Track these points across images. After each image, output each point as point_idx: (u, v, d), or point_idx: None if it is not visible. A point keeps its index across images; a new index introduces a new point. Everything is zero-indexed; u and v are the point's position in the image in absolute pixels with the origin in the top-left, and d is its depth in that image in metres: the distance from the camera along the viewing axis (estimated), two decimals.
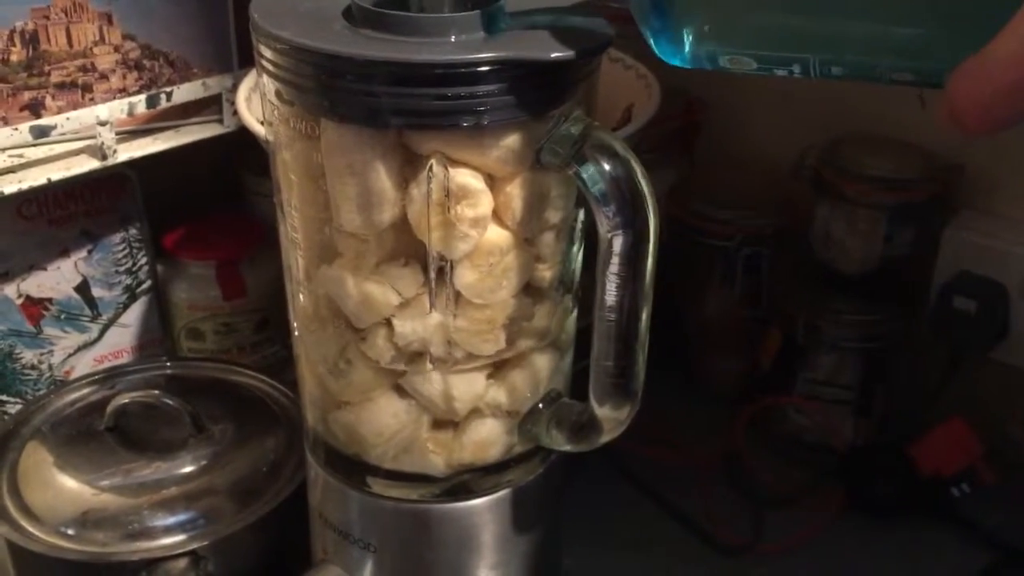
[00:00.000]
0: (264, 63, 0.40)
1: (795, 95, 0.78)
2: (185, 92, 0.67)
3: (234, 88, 0.67)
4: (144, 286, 0.76)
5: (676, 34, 0.36)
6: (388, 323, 0.42)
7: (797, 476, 0.73)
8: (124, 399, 0.62)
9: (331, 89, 0.38)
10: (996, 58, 0.28)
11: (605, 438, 0.44)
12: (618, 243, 0.39)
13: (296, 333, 0.47)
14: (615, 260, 0.39)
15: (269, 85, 0.40)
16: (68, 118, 0.63)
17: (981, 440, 0.69)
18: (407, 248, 0.41)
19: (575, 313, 0.47)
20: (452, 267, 0.41)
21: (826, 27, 0.34)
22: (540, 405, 0.46)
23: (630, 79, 0.66)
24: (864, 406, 0.74)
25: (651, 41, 0.37)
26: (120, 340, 0.76)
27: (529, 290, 0.44)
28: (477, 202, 0.40)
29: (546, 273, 0.44)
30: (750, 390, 0.77)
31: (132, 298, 0.76)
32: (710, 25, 0.36)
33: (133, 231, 0.74)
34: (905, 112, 0.72)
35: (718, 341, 0.79)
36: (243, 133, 0.62)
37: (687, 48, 0.37)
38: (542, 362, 0.46)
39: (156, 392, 0.62)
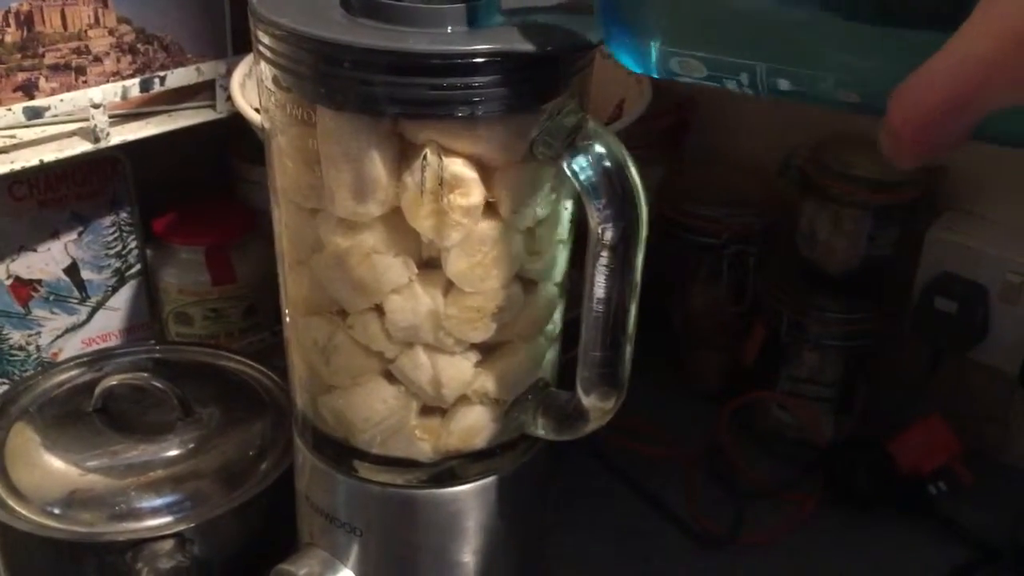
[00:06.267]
0: (262, 49, 0.40)
1: None
2: (179, 77, 0.68)
3: (228, 74, 0.67)
4: (133, 270, 0.76)
5: (636, 39, 0.36)
6: (379, 309, 0.43)
7: (778, 470, 0.74)
8: (112, 381, 0.62)
9: (328, 76, 0.38)
10: (933, 73, 0.28)
11: (591, 427, 0.44)
12: (608, 235, 0.40)
13: (287, 318, 0.48)
14: (605, 252, 0.40)
15: (266, 71, 0.41)
16: (61, 100, 0.63)
17: (959, 439, 0.70)
18: (400, 235, 0.42)
19: (564, 304, 0.48)
20: (444, 255, 0.42)
21: (778, 34, 0.34)
22: (528, 394, 0.47)
23: (622, 75, 0.66)
24: (845, 403, 0.75)
25: (609, 44, 0.37)
26: (108, 323, 0.76)
27: (519, 280, 0.44)
28: (469, 192, 0.40)
29: (536, 264, 0.44)
30: (734, 385, 0.78)
31: (121, 281, 0.76)
32: (663, 25, 0.35)
33: (123, 215, 0.75)
34: None
35: (703, 337, 0.80)
36: (235, 119, 0.62)
37: (642, 52, 0.36)
38: (530, 351, 0.46)
39: (145, 375, 0.63)
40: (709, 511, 0.71)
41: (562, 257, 0.46)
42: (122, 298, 0.76)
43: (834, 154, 0.71)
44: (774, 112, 0.79)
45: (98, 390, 0.62)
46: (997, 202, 0.71)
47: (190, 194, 0.79)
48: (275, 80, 0.41)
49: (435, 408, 0.46)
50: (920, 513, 0.70)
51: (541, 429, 0.47)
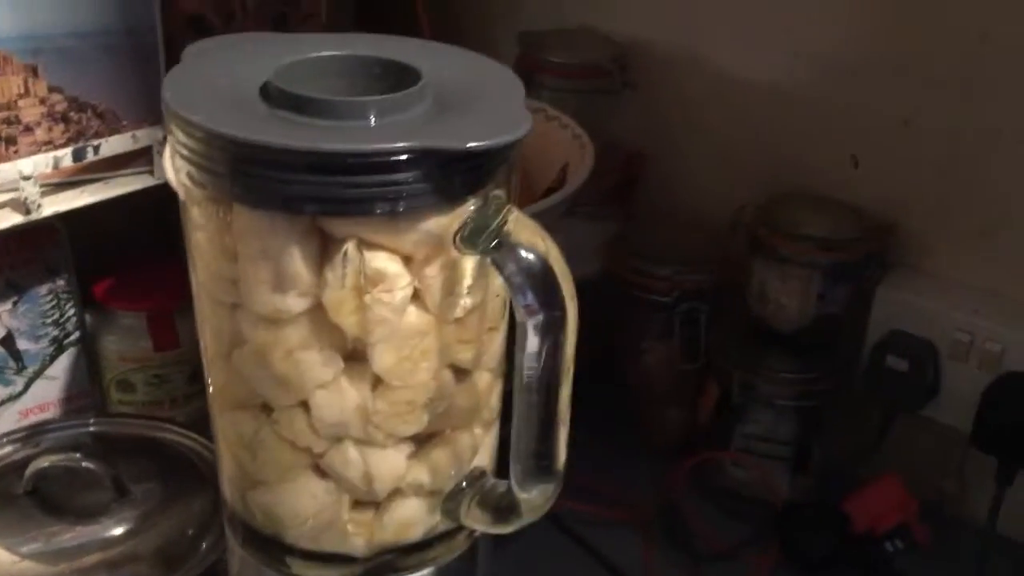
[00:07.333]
0: (176, 146, 0.39)
1: (733, 152, 0.78)
2: (114, 145, 0.66)
3: (165, 140, 0.66)
4: (72, 337, 0.74)
5: None
6: (305, 404, 0.42)
7: (735, 530, 0.73)
8: (43, 462, 0.60)
9: (243, 175, 0.37)
10: None
11: (525, 520, 0.43)
12: (535, 328, 0.39)
13: (212, 410, 0.46)
14: (532, 344, 0.39)
15: (181, 167, 0.40)
16: None
17: (915, 496, 0.69)
18: (324, 331, 0.40)
19: (499, 389, 0.47)
20: (370, 350, 0.40)
21: None
22: (463, 484, 0.45)
23: (566, 139, 0.66)
24: (801, 462, 0.74)
25: None
26: (46, 393, 0.74)
27: (451, 369, 0.43)
28: (393, 286, 0.39)
29: (468, 352, 0.43)
30: (691, 443, 0.77)
31: (59, 350, 0.74)
32: None
33: (60, 282, 0.73)
34: (839, 172, 0.73)
35: (657, 395, 0.79)
36: None
37: None
38: (465, 440, 0.45)
39: (76, 455, 0.61)
40: (666, 573, 0.70)
41: (495, 343, 0.45)
42: (60, 367, 0.74)
43: (782, 213, 0.70)
44: (723, 168, 0.79)
45: (28, 472, 0.60)
46: (946, 259, 0.71)
47: (131, 257, 0.77)
48: (190, 176, 0.39)
49: (368, 501, 0.44)
50: (877, 572, 0.70)
51: (475, 520, 0.45)
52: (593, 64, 0.77)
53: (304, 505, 0.44)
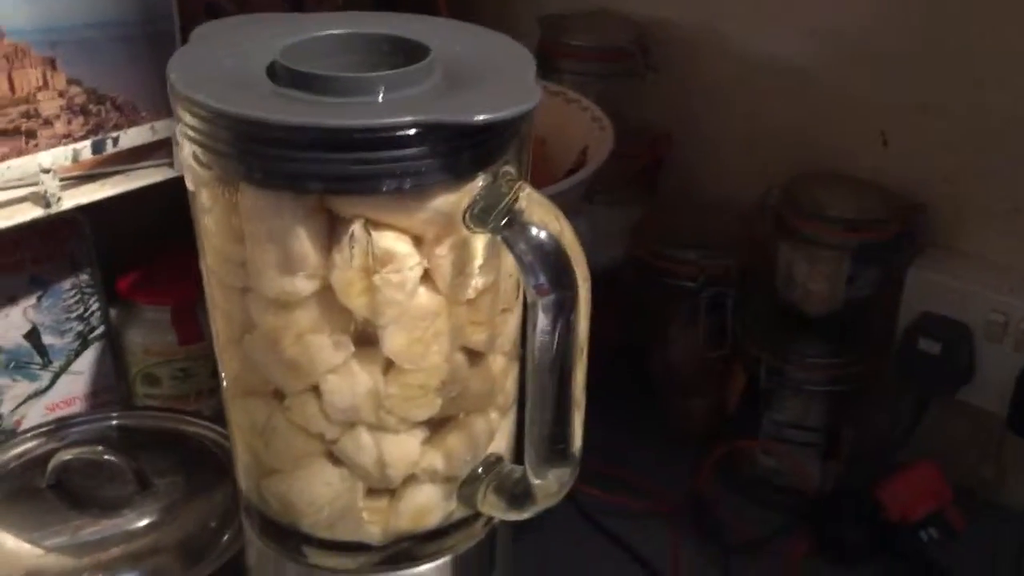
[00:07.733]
0: (183, 127, 0.38)
1: (758, 133, 0.77)
2: (132, 137, 0.66)
3: None
4: (96, 332, 0.74)
5: None
6: (316, 389, 0.41)
7: (766, 520, 0.72)
8: (66, 455, 0.60)
9: (247, 153, 0.37)
10: None
11: (541, 507, 0.42)
12: (546, 308, 0.38)
13: (225, 398, 0.46)
14: (544, 325, 0.38)
15: (187, 148, 0.39)
16: (9, 167, 0.62)
17: (950, 482, 0.68)
18: (334, 314, 0.40)
19: (515, 373, 0.46)
20: (380, 332, 0.40)
21: None
22: (479, 469, 0.45)
23: (585, 121, 0.65)
24: (832, 448, 0.73)
25: None
26: (72, 388, 0.74)
27: (464, 352, 0.42)
28: (403, 266, 0.38)
29: (481, 334, 0.42)
30: (719, 430, 0.76)
31: (84, 344, 0.74)
32: None
33: (84, 276, 0.73)
34: (867, 151, 0.71)
35: (684, 381, 0.77)
36: None
37: None
38: (480, 425, 0.44)
39: (99, 448, 0.61)
40: (695, 564, 0.69)
41: (510, 324, 0.44)
42: (86, 361, 0.74)
43: (809, 194, 0.69)
44: (750, 151, 0.78)
45: (51, 465, 0.60)
46: (977, 237, 0.69)
47: (154, 251, 0.77)
48: (195, 157, 0.39)
49: (383, 488, 0.44)
50: (912, 560, 0.68)
51: (491, 507, 0.44)
52: (615, 47, 0.76)
53: (318, 493, 0.43)
